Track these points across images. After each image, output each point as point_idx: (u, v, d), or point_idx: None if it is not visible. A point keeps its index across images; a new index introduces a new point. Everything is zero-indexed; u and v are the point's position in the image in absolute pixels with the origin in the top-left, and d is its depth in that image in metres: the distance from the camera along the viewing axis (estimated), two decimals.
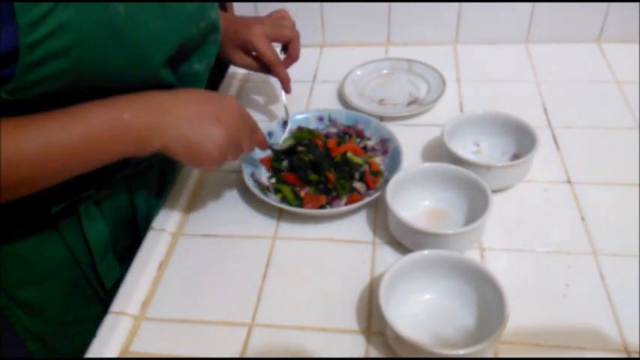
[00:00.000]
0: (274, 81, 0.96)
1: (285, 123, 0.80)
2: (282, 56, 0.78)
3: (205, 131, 0.56)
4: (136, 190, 0.71)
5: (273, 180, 0.74)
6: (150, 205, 0.74)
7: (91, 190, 0.63)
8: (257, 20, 0.75)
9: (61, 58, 0.47)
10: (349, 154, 0.73)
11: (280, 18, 0.77)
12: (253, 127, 0.64)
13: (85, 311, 0.71)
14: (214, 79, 0.96)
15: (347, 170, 0.71)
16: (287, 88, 0.79)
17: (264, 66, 0.77)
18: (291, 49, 0.78)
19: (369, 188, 0.70)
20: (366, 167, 0.72)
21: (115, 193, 0.68)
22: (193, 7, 0.60)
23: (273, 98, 0.92)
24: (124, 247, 0.73)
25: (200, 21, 0.61)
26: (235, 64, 0.79)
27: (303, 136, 0.77)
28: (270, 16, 0.78)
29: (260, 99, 0.93)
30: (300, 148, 0.74)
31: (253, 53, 0.76)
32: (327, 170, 0.71)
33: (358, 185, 0.70)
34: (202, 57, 0.65)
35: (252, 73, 0.99)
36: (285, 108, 0.81)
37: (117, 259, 0.71)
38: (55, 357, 0.71)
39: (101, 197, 0.66)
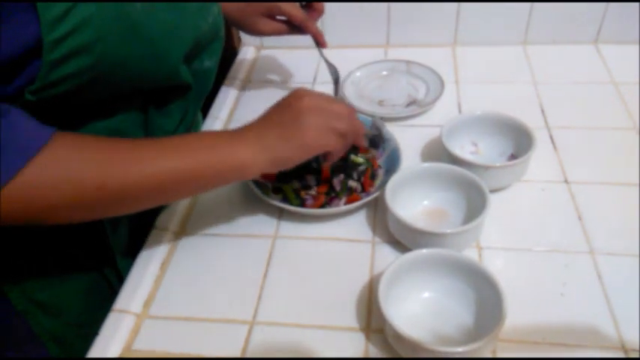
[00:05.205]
0: (274, 82, 0.97)
1: (336, 81, 0.80)
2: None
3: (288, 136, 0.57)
4: None
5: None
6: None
7: None
8: None
9: (83, 54, 0.48)
10: (352, 156, 0.73)
11: None
12: (340, 113, 0.60)
13: (104, 312, 0.71)
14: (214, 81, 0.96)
15: (345, 170, 0.71)
16: (323, 42, 0.81)
17: (293, 28, 0.79)
18: (315, 3, 0.80)
19: (363, 190, 0.70)
20: (367, 167, 0.72)
21: None
22: (199, 2, 0.61)
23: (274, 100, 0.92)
24: (139, 247, 0.73)
25: (208, 16, 0.62)
26: (263, 33, 0.80)
27: None
28: None
29: (260, 101, 0.93)
30: None
31: (278, 17, 0.78)
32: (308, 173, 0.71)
33: (354, 184, 0.70)
34: (212, 53, 0.66)
35: (254, 72, 1.00)
36: (329, 63, 0.82)
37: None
38: (74, 358, 0.71)
39: None
